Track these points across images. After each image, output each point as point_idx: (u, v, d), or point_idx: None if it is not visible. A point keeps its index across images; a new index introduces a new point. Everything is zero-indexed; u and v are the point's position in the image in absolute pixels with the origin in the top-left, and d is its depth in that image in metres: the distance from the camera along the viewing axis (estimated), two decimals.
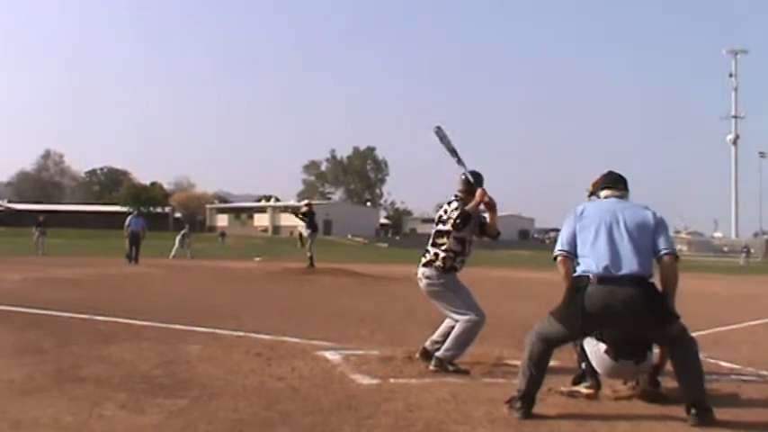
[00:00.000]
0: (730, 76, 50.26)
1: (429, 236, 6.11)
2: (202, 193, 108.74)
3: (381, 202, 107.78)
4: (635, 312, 4.35)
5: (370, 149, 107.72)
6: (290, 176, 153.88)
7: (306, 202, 20.15)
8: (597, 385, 4.95)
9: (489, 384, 5.33)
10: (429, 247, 6.00)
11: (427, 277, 5.95)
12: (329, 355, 6.36)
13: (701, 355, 4.57)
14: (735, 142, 50.08)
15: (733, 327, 9.90)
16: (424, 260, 6.01)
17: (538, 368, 4.48)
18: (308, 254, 18.87)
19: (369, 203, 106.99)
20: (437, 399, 4.83)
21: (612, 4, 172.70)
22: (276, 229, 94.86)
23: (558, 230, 6.60)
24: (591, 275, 4.42)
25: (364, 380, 5.37)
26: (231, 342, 6.99)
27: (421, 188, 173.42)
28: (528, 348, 4.55)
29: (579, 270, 4.54)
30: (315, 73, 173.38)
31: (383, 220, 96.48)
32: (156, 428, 4.00)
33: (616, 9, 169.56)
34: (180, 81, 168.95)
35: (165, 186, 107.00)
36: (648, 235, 4.56)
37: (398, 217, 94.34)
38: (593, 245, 4.53)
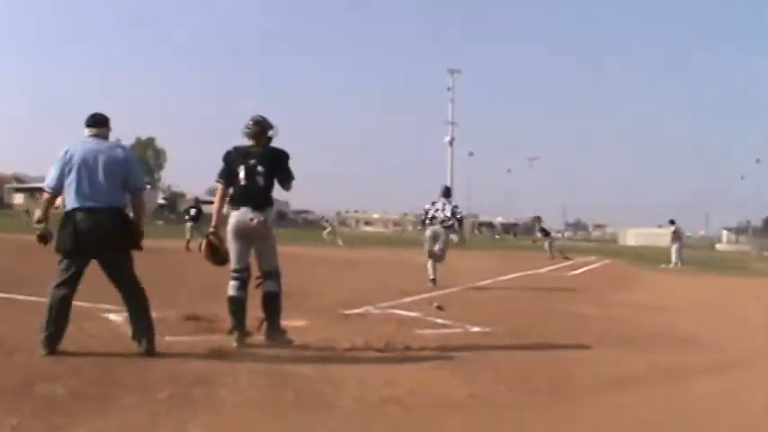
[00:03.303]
0: (448, 89, 58.46)
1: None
2: None
3: (159, 185, 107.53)
4: (109, 237, 5.46)
5: (151, 139, 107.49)
6: None
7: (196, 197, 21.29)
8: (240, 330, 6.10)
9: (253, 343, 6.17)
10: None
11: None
12: (112, 316, 7.05)
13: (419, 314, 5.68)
14: (451, 143, 57.48)
15: (447, 291, 11.93)
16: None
17: (57, 317, 5.49)
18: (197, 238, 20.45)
19: (149, 186, 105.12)
20: (205, 353, 5.73)
21: None
22: None
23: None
24: (75, 208, 5.39)
25: None
26: (26, 306, 7.43)
27: (195, 173, 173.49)
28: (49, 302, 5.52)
29: (69, 205, 5.45)
30: (105, 62, 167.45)
31: (161, 201, 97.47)
32: None
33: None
34: None
35: None
36: (120, 172, 5.57)
37: (174, 198, 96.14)
38: (76, 181, 5.42)
